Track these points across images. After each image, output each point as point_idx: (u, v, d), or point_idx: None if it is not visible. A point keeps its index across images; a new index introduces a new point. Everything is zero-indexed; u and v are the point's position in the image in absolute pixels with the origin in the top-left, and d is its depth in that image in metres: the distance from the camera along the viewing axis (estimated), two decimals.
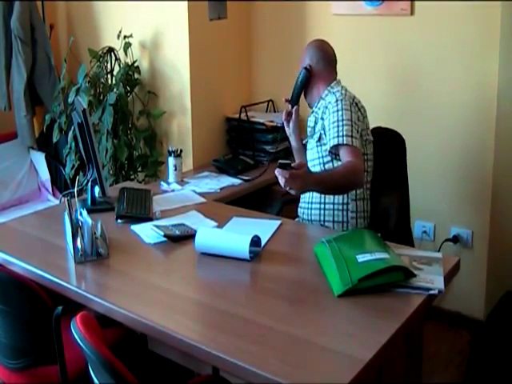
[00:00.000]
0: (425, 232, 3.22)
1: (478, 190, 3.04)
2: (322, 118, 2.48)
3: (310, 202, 2.54)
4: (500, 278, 2.98)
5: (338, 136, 2.34)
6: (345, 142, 2.33)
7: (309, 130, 2.59)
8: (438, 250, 3.05)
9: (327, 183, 2.27)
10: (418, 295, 1.74)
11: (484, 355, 2.57)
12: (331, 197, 2.49)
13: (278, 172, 2.09)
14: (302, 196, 2.60)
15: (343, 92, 2.49)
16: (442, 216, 3.18)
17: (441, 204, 3.17)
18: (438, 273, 1.84)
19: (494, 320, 2.70)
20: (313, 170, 2.51)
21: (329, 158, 2.46)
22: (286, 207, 2.85)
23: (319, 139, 2.48)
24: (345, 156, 2.33)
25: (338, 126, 2.37)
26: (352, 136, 2.34)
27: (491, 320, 2.72)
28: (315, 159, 2.52)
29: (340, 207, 2.50)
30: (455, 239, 3.14)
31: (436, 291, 1.75)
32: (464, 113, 3.01)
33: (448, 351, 3.00)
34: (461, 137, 3.04)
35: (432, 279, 1.80)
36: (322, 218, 2.51)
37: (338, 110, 2.40)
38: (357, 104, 2.47)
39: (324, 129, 2.45)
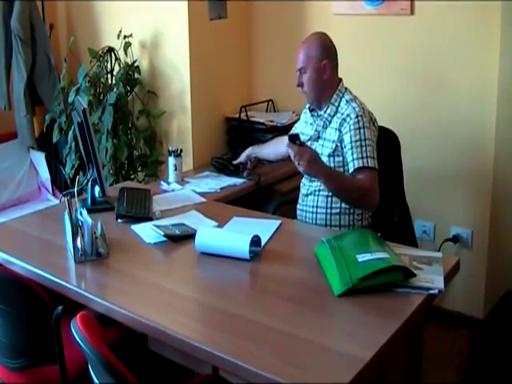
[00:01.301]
0: (425, 232, 3.22)
1: (478, 190, 3.04)
2: (340, 130, 2.41)
3: (316, 206, 2.51)
4: (500, 278, 2.98)
5: (362, 157, 2.35)
6: (370, 165, 2.34)
7: (314, 133, 2.53)
8: (438, 250, 3.05)
9: (337, 182, 2.32)
10: (417, 295, 1.74)
11: (484, 355, 2.57)
12: (338, 201, 2.46)
13: (288, 146, 2.24)
14: (304, 199, 2.56)
15: (358, 103, 2.44)
16: (441, 216, 3.18)
17: (441, 204, 3.17)
18: (438, 272, 1.84)
19: (493, 320, 2.70)
20: None
21: (341, 170, 2.43)
22: (283, 207, 2.85)
23: (334, 150, 2.43)
24: (366, 178, 2.34)
25: (361, 146, 2.36)
26: (374, 157, 2.37)
27: (491, 320, 2.72)
28: None
29: (347, 211, 2.48)
30: (455, 239, 3.14)
31: (436, 291, 1.75)
32: (464, 112, 3.01)
33: (448, 351, 3.00)
34: (461, 136, 3.04)
35: (432, 279, 1.80)
36: (328, 222, 2.49)
37: (359, 128, 2.38)
38: (371, 118, 2.44)
39: (341, 141, 2.41)
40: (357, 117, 2.39)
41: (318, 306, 1.75)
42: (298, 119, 2.77)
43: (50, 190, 3.90)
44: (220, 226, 2.30)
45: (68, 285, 1.89)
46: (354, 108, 2.42)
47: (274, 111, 3.68)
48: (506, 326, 2.61)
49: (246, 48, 3.70)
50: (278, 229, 2.27)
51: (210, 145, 3.52)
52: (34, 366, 2.01)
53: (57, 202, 3.62)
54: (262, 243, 2.08)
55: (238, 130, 3.53)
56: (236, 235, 2.05)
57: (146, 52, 3.51)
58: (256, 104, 3.66)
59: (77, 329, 1.45)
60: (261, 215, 2.47)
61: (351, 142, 2.38)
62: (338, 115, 2.45)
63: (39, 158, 3.93)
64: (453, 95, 3.03)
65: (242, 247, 1.97)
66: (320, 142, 2.49)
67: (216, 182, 3.01)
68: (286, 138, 2.34)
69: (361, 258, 1.80)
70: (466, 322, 3.14)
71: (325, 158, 2.43)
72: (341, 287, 1.74)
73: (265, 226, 2.27)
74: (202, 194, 2.73)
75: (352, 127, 2.39)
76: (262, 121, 3.46)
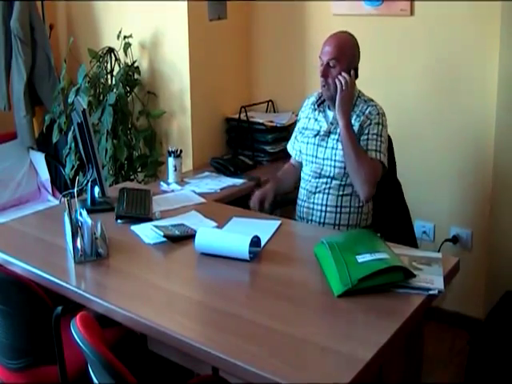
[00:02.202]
0: (424, 232, 3.22)
1: (478, 190, 3.04)
2: (361, 126, 2.45)
3: (325, 205, 2.51)
4: (499, 278, 2.98)
5: (376, 150, 2.43)
6: (381, 160, 2.44)
7: (328, 126, 2.52)
8: (438, 251, 3.04)
9: (354, 141, 2.38)
10: (417, 295, 1.74)
11: (483, 355, 2.57)
12: (348, 200, 2.49)
13: (342, 75, 2.41)
14: (310, 196, 2.54)
15: (376, 103, 2.52)
16: (441, 216, 3.18)
17: (441, 204, 3.17)
18: (438, 273, 1.84)
19: (493, 320, 2.70)
20: (329, 169, 2.50)
21: None
22: (282, 208, 2.85)
23: None
24: (373, 170, 2.43)
25: (377, 140, 2.45)
26: (385, 155, 2.46)
27: (490, 320, 2.72)
28: (337, 161, 2.48)
29: (355, 210, 2.51)
30: (455, 239, 3.14)
31: (436, 291, 1.75)
32: (463, 112, 3.01)
33: (448, 351, 3.00)
34: (460, 136, 3.04)
35: (432, 279, 1.80)
36: (337, 221, 2.51)
37: (379, 124, 2.46)
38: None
39: (359, 134, 2.45)
40: (378, 114, 2.47)
41: (317, 306, 1.75)
42: (298, 119, 2.76)
43: (50, 190, 3.90)
44: (220, 226, 2.30)
45: (68, 285, 1.89)
46: (375, 106, 2.50)
47: (274, 112, 3.68)
48: (506, 326, 2.61)
49: (246, 48, 3.70)
50: (277, 229, 2.27)
51: (210, 145, 3.52)
52: (34, 367, 2.01)
53: (57, 202, 3.62)
54: (262, 244, 2.08)
55: (238, 130, 3.53)
56: (236, 236, 2.05)
57: (146, 52, 3.51)
58: (256, 104, 3.66)
59: (76, 329, 1.45)
60: (260, 216, 2.47)
61: (368, 133, 2.45)
62: (358, 113, 2.48)
63: (39, 159, 3.93)
64: (452, 96, 3.03)
65: (242, 248, 1.97)
66: (333, 136, 2.50)
67: (216, 183, 3.01)
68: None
69: (360, 258, 1.80)
70: (466, 322, 3.14)
71: (341, 152, 2.45)
72: (340, 288, 1.74)
73: (264, 227, 2.27)
74: (201, 195, 2.73)
75: (373, 122, 2.46)
76: (261, 121, 3.46)
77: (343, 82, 2.40)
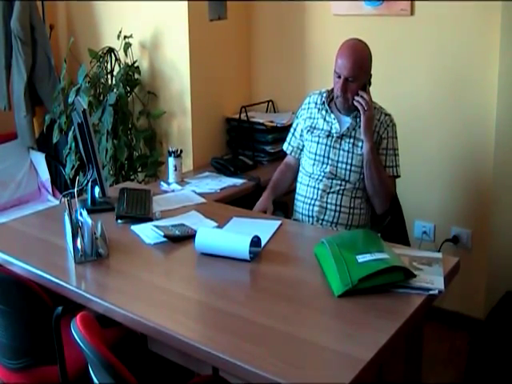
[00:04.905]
0: (425, 232, 3.22)
1: (478, 190, 3.04)
2: (378, 133, 2.51)
3: (339, 205, 2.53)
4: (500, 278, 2.98)
5: (394, 166, 2.55)
6: (398, 174, 2.57)
7: (347, 130, 2.54)
8: (438, 251, 3.04)
9: (378, 163, 2.47)
10: (417, 295, 1.74)
11: (483, 355, 2.57)
12: (359, 203, 2.54)
13: (360, 93, 2.43)
14: (323, 195, 2.54)
15: (388, 113, 2.57)
16: (442, 216, 3.18)
17: (441, 204, 3.17)
18: (438, 273, 1.85)
19: (493, 320, 2.70)
20: (343, 172, 2.53)
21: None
22: (282, 208, 2.85)
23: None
24: (391, 186, 2.56)
25: (395, 155, 2.56)
26: (400, 166, 2.57)
27: (491, 320, 2.72)
28: (353, 165, 2.51)
29: (365, 211, 2.58)
30: (455, 239, 3.14)
31: (436, 291, 1.75)
32: (464, 113, 3.01)
33: (448, 351, 3.00)
34: (461, 137, 3.04)
35: (432, 279, 1.80)
36: (349, 222, 2.54)
37: (394, 137, 2.55)
38: None
39: (378, 144, 2.51)
40: (394, 125, 2.55)
41: (317, 306, 1.75)
42: (297, 116, 2.76)
43: (50, 190, 3.90)
44: (220, 226, 2.30)
45: (68, 285, 1.89)
46: (389, 115, 2.56)
47: (274, 112, 3.68)
48: (506, 326, 2.61)
49: (246, 48, 3.70)
50: (278, 229, 2.27)
51: (210, 145, 3.52)
52: (35, 367, 2.01)
53: (57, 202, 3.62)
54: (262, 244, 2.08)
55: (238, 130, 3.53)
56: (236, 236, 2.05)
57: (146, 52, 3.51)
58: (256, 104, 3.66)
59: (77, 329, 1.45)
60: (261, 215, 2.47)
61: (387, 148, 2.53)
62: (374, 121, 2.51)
63: (39, 159, 3.93)
64: (452, 96, 3.03)
65: (242, 248, 1.97)
66: (347, 139, 2.53)
67: (216, 183, 3.01)
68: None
69: (361, 258, 1.80)
70: (466, 322, 3.14)
71: (357, 157, 2.50)
72: (341, 288, 1.74)
73: (265, 227, 2.27)
74: (201, 195, 2.73)
75: (390, 134, 2.53)
76: (262, 121, 3.46)
77: (364, 104, 2.42)
